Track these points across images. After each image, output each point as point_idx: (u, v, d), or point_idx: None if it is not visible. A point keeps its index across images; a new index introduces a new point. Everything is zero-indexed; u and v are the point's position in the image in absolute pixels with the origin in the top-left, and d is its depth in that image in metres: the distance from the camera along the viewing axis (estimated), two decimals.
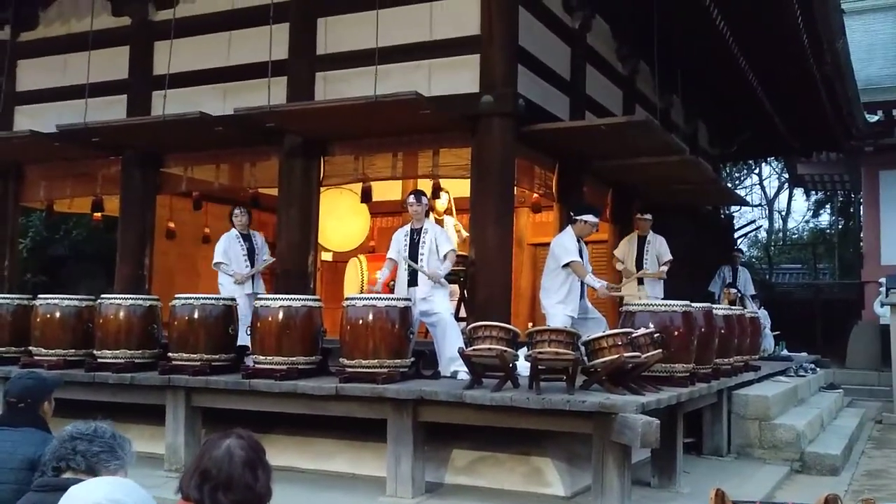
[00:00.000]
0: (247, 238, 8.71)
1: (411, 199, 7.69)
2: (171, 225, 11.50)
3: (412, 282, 7.49)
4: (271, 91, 8.36)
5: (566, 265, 7.60)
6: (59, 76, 10.57)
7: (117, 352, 7.66)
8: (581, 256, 7.70)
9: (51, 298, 8.19)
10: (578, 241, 7.75)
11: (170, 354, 7.50)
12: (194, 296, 7.62)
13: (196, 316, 7.41)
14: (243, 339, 7.57)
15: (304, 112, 8.47)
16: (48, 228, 15.01)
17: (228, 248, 8.56)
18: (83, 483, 1.95)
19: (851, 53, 13.18)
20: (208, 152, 9.73)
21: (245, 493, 2.27)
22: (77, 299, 8.21)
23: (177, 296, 7.63)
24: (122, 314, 7.75)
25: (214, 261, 8.60)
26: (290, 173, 9.11)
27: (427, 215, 7.86)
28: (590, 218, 7.80)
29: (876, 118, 16.29)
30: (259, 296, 7.85)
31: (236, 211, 8.76)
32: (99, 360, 7.73)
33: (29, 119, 10.51)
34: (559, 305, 7.60)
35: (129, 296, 8.18)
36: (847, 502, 3.64)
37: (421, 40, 8.57)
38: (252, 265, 8.62)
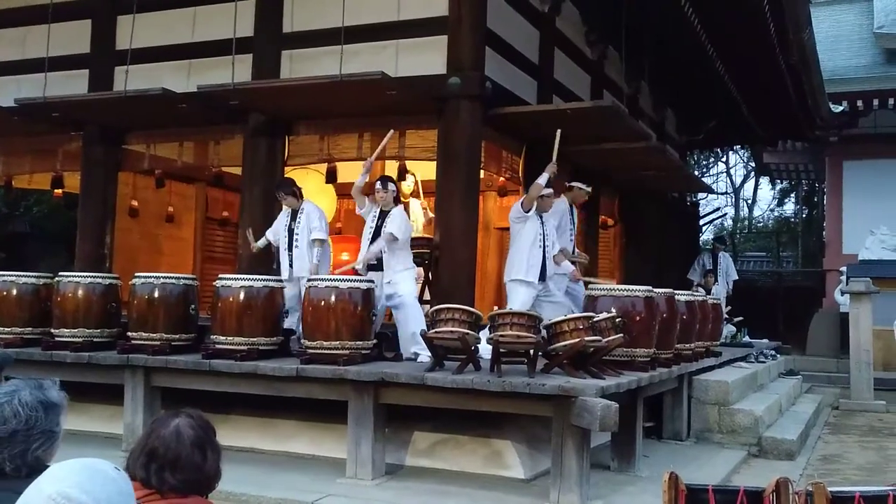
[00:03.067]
0: (296, 215, 8.08)
1: (378, 185, 7.64)
2: (134, 203, 11.30)
3: (377, 266, 7.47)
4: (236, 69, 8.25)
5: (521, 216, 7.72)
6: (19, 49, 10.35)
7: (75, 330, 7.55)
8: (543, 229, 7.81)
9: (7, 275, 8.03)
10: (540, 217, 7.81)
11: (129, 334, 7.40)
12: (154, 274, 7.52)
13: (156, 295, 7.32)
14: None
15: (268, 90, 8.37)
16: (7, 204, 14.75)
17: (277, 224, 8.13)
18: (46, 472, 1.73)
19: (817, 44, 13.30)
20: (171, 130, 9.58)
21: (193, 474, 2.23)
22: (35, 276, 8.06)
23: (137, 274, 7.52)
24: (80, 292, 7.62)
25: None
26: (255, 152, 9.00)
27: (396, 201, 7.76)
28: (547, 191, 7.85)
29: (840, 109, 16.49)
30: (221, 276, 7.69)
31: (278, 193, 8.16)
32: (57, 338, 7.63)
33: None
34: (520, 281, 7.66)
35: (88, 274, 8.03)
36: (800, 486, 3.68)
37: (388, 20, 8.50)
38: (291, 241, 8.01)
